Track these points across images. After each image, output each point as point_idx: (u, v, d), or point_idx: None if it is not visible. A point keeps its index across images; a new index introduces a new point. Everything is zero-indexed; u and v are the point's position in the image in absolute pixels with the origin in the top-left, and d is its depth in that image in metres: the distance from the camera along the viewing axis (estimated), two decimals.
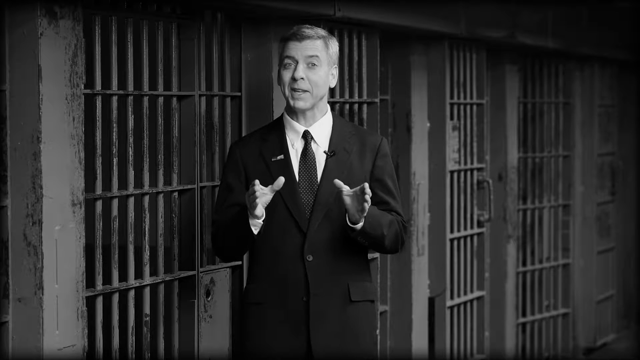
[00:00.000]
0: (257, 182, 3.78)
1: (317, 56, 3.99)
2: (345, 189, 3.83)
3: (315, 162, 4.02)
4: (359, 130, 4.16)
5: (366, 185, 3.79)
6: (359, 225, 3.89)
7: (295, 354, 3.95)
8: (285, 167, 3.99)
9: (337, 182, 3.82)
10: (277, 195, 3.95)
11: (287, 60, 3.99)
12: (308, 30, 4.01)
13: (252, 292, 4.05)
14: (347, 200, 3.84)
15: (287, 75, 3.99)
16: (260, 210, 3.85)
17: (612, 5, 8.07)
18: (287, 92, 4.00)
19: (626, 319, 9.20)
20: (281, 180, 3.81)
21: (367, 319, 4.06)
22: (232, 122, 4.75)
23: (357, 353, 4.01)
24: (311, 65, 3.98)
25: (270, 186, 3.82)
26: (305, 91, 3.98)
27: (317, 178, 4.00)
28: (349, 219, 3.89)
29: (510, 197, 7.01)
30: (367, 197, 3.78)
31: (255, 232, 3.89)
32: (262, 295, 4.01)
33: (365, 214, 3.84)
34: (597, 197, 8.27)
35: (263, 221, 3.88)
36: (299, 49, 3.97)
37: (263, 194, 3.81)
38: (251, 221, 3.87)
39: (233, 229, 3.95)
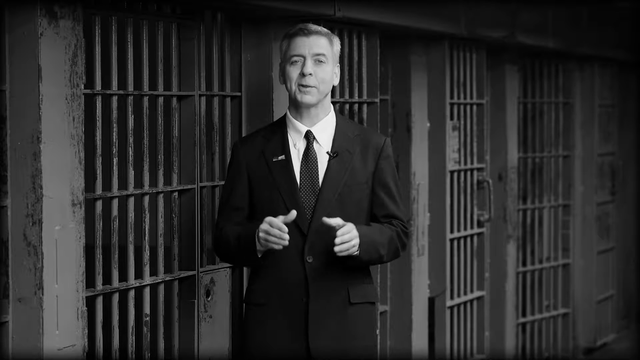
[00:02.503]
0: (287, 237, 3.80)
1: (323, 54, 3.99)
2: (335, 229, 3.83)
3: (317, 162, 4.01)
4: (362, 131, 4.14)
5: (336, 241, 3.79)
6: (356, 254, 3.90)
7: (296, 355, 3.95)
8: (286, 167, 3.99)
9: (325, 220, 3.83)
10: (278, 195, 3.95)
11: (294, 58, 3.98)
12: (314, 27, 4.02)
13: (253, 293, 4.05)
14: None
15: (295, 72, 3.98)
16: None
17: (612, 5, 8.07)
18: (294, 87, 3.99)
19: (626, 319, 9.19)
20: (293, 213, 3.82)
21: (367, 321, 4.05)
22: (232, 122, 4.75)
23: (356, 355, 4.00)
24: (318, 62, 3.98)
25: (284, 216, 3.83)
26: (312, 87, 3.98)
27: (318, 179, 3.99)
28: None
29: (510, 197, 7.00)
30: (340, 248, 3.81)
31: (260, 254, 3.92)
32: (263, 296, 4.00)
33: (357, 251, 3.87)
34: (597, 197, 8.27)
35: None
36: (307, 45, 3.97)
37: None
38: (258, 247, 3.89)
39: (238, 253, 3.99)
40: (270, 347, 3.97)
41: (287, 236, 3.81)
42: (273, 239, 3.82)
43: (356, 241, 3.84)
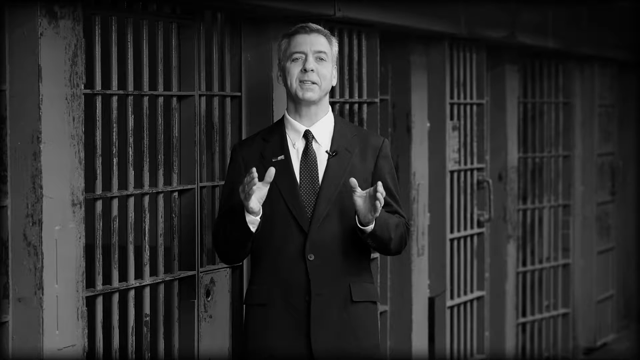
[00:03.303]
0: (254, 170, 3.75)
1: (324, 51, 4.01)
2: (359, 190, 3.81)
3: (316, 161, 4.02)
4: (360, 131, 4.16)
5: (380, 184, 3.77)
6: (370, 228, 3.88)
7: (298, 354, 3.94)
8: (285, 167, 3.99)
9: (353, 181, 3.80)
10: (278, 194, 3.95)
11: (296, 55, 3.99)
12: (314, 25, 4.04)
13: (254, 293, 4.04)
14: (359, 201, 3.82)
15: (296, 68, 3.99)
16: (256, 205, 3.83)
17: (612, 5, 8.07)
18: (294, 84, 3.99)
19: (626, 319, 9.20)
20: (272, 170, 3.78)
21: (369, 320, 4.05)
22: (232, 122, 4.75)
23: (358, 353, 4.00)
24: (319, 60, 4.00)
25: (262, 182, 3.80)
26: (314, 83, 3.98)
27: (318, 178, 3.99)
28: (359, 221, 3.88)
29: (510, 197, 7.01)
30: (381, 197, 3.76)
31: (253, 229, 3.87)
32: (264, 297, 4.00)
33: (376, 215, 3.84)
34: (597, 197, 8.27)
35: (260, 218, 3.87)
36: (308, 43, 3.99)
37: (258, 188, 3.80)
38: (248, 218, 3.85)
39: (231, 230, 3.93)
40: (272, 347, 3.97)
41: (255, 174, 3.73)
42: (246, 186, 3.76)
43: (379, 205, 3.79)
